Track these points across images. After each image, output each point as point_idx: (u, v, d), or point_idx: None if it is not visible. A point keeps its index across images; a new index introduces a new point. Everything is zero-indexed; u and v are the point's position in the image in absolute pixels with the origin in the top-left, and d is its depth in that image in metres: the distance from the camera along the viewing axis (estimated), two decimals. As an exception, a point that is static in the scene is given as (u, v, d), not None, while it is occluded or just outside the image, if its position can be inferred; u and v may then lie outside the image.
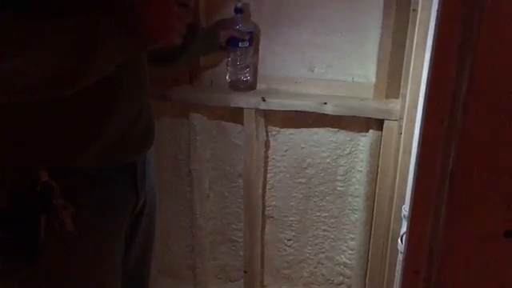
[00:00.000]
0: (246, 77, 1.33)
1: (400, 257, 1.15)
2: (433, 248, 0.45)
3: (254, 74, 1.36)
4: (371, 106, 1.26)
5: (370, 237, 1.39)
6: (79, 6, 0.74)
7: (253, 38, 1.30)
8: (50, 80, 0.72)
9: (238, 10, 1.28)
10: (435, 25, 0.49)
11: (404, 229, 1.14)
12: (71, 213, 0.79)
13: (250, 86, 1.36)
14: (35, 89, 0.72)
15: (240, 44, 1.28)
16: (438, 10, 0.50)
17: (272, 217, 1.50)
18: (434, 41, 0.48)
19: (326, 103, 1.27)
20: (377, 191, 1.33)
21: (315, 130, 1.36)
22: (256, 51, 1.35)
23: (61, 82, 0.73)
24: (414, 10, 1.12)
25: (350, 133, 1.34)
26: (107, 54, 0.73)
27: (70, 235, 0.80)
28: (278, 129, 1.40)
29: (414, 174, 0.49)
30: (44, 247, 0.79)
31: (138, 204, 0.97)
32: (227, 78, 1.34)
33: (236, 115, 1.40)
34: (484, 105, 0.40)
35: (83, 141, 0.82)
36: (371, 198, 1.35)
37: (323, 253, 1.49)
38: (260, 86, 1.37)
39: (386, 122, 1.25)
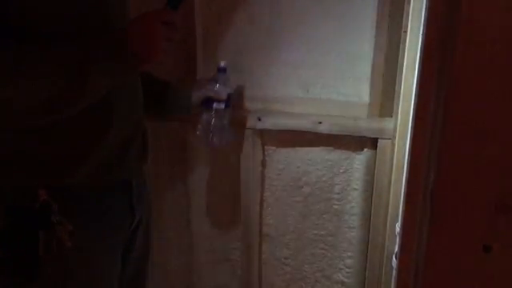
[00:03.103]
0: (218, 138, 1.25)
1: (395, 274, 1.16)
2: (418, 264, 0.47)
3: (228, 137, 1.28)
4: (365, 125, 1.28)
5: (367, 255, 1.39)
6: (67, 30, 0.76)
7: (230, 102, 1.24)
8: (41, 108, 0.74)
9: (221, 70, 1.23)
10: (420, 47, 0.51)
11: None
12: (68, 230, 0.81)
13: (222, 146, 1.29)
14: (25, 117, 0.74)
15: (215, 105, 1.22)
16: (422, 34, 0.52)
17: (269, 235, 1.51)
18: (419, 62, 0.50)
19: (320, 122, 1.29)
20: (372, 209, 1.34)
21: (311, 148, 1.38)
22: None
23: (51, 110, 0.75)
24: (404, 32, 1.15)
25: (345, 151, 1.36)
26: (97, 79, 0.75)
27: (68, 252, 0.82)
28: (274, 148, 1.42)
29: (404, 193, 0.51)
30: (43, 264, 0.80)
31: (134, 220, 0.99)
32: (197, 132, 1.27)
33: (233, 135, 1.41)
34: (459, 127, 0.42)
35: (79, 159, 0.84)
36: (367, 215, 1.36)
37: (320, 271, 1.49)
38: (256, 105, 1.39)
39: (379, 140, 1.27)
